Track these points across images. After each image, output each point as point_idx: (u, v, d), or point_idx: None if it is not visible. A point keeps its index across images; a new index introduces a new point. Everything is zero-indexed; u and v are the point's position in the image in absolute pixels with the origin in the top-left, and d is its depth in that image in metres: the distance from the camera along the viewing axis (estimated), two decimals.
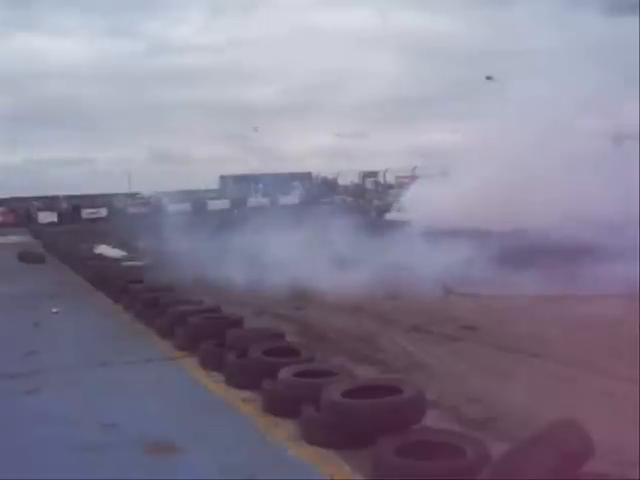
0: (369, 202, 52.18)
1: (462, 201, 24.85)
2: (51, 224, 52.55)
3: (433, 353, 8.54)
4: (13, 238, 37.52)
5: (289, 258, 14.76)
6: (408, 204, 31.69)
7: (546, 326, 9.23)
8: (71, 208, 62.75)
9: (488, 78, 45.45)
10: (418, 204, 28.44)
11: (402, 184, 57.57)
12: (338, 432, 5.52)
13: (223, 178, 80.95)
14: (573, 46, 25.09)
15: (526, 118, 26.13)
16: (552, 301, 11.02)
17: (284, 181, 74.76)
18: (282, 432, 6.09)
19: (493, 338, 9.03)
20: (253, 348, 7.56)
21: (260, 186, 73.69)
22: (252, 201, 66.09)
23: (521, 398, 6.45)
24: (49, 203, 66.00)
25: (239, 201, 65.10)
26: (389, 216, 35.70)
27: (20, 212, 61.09)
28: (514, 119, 26.99)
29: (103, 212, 60.36)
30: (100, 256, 21.96)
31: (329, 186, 73.90)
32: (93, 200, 66.62)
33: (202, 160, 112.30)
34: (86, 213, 59.99)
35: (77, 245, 26.10)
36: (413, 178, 51.85)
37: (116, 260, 20.97)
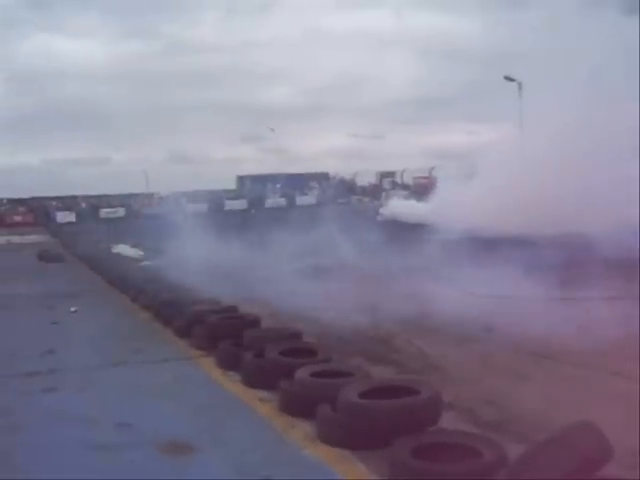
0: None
1: (500, 205, 23.28)
2: (69, 224, 52.82)
3: (449, 354, 8.51)
4: (32, 238, 37.75)
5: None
6: (436, 207, 29.36)
7: (563, 328, 9.18)
8: (89, 208, 63.10)
9: (507, 79, 45.15)
10: (449, 207, 26.21)
11: (419, 184, 57.61)
12: (355, 433, 5.52)
13: (240, 178, 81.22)
14: (593, 45, 24.43)
15: (553, 118, 25.20)
16: (570, 303, 10.95)
17: (301, 181, 74.93)
18: (299, 432, 6.09)
19: (510, 340, 8.98)
20: (270, 348, 7.57)
21: (277, 186, 73.83)
22: (269, 201, 66.20)
23: (537, 400, 6.42)
24: (67, 203, 66.42)
25: (257, 201, 65.21)
26: (380, 217, 35.44)
27: (39, 212, 61.45)
28: (542, 118, 26.07)
29: (121, 212, 60.61)
30: (118, 256, 22.08)
31: (346, 186, 73.94)
32: (111, 200, 66.99)
33: (219, 160, 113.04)
34: (104, 213, 60.25)
35: (95, 245, 26.24)
36: (431, 179, 51.74)
37: (134, 260, 21.07)
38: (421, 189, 50.65)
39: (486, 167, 27.92)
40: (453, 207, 25.60)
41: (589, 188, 21.01)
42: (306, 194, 69.73)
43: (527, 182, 23.58)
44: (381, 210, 37.70)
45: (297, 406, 6.46)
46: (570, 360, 7.81)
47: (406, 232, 23.51)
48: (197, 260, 18.08)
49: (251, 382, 7.54)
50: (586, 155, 22.46)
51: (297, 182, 74.23)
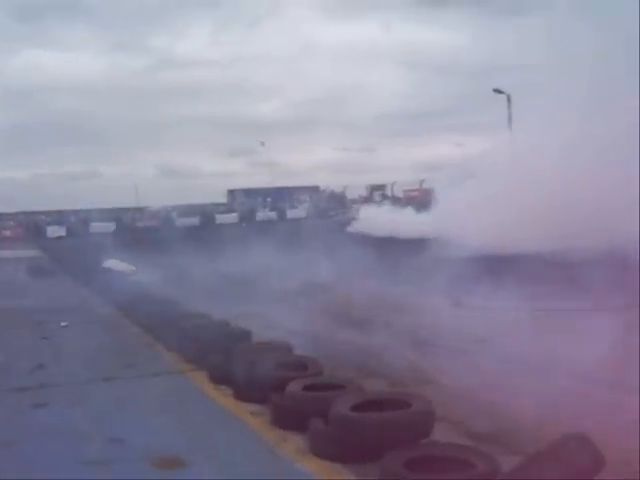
0: None
1: (519, 218, 21.05)
2: (60, 238, 52.76)
3: (441, 367, 8.50)
4: (22, 252, 37.60)
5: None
6: (443, 218, 25.92)
7: (555, 339, 9.17)
8: (79, 222, 63.04)
9: (496, 91, 45.38)
10: (458, 220, 23.25)
11: (410, 197, 57.73)
12: (347, 446, 5.50)
13: (231, 192, 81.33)
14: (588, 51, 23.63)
15: (555, 125, 24.00)
16: (562, 314, 10.95)
17: (292, 195, 75.16)
18: (291, 446, 6.07)
19: (502, 351, 8.98)
20: (261, 362, 7.55)
21: (268, 200, 74.00)
22: (260, 215, 66.36)
23: (531, 412, 6.41)
24: (57, 217, 66.29)
25: (247, 215, 65.36)
26: (351, 229, 34.90)
27: (29, 226, 61.33)
28: (543, 126, 24.93)
29: (111, 226, 60.55)
30: (109, 270, 21.99)
31: (337, 199, 74.14)
32: (101, 214, 66.91)
33: (210, 174, 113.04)
34: (94, 227, 60.18)
35: (85, 259, 26.15)
36: (423, 191, 51.77)
37: (125, 274, 20.99)
38: (412, 201, 50.74)
39: (497, 177, 25.35)
40: (463, 220, 22.99)
41: (602, 198, 19.66)
42: (296, 207, 69.92)
43: (545, 192, 21.82)
44: (354, 223, 36.61)
45: (289, 420, 6.44)
46: (564, 371, 7.79)
47: (404, 247, 22.69)
48: (189, 274, 18.12)
49: (243, 396, 7.52)
50: (595, 162, 21.14)
51: (287, 195, 74.46)
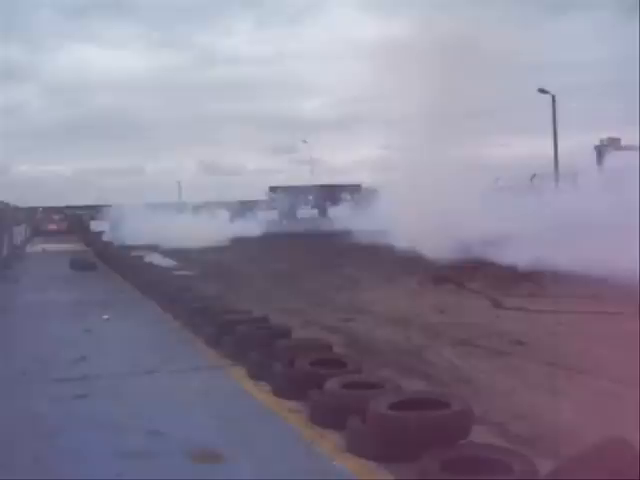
0: None
1: None
2: (103, 232, 53.26)
3: (480, 367, 8.45)
4: (66, 246, 38.12)
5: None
6: None
7: (595, 342, 9.09)
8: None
9: (541, 91, 44.84)
10: None
11: None
12: (384, 445, 5.49)
13: (273, 189, 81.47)
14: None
15: None
16: (601, 317, 10.85)
17: (333, 193, 75.01)
18: (328, 443, 6.06)
19: (542, 353, 8.92)
20: (300, 359, 7.57)
21: (310, 197, 73.95)
22: (301, 212, 66.29)
23: (569, 415, 6.35)
24: (101, 211, 66.93)
25: (288, 212, 65.34)
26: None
27: (73, 220, 62.02)
28: None
29: None
30: (150, 265, 22.20)
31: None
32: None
33: (251, 171, 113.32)
34: None
35: (128, 253, 26.42)
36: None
37: (166, 269, 21.17)
38: None
39: None
40: None
41: None
42: (338, 205, 69.81)
43: None
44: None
45: (327, 417, 6.44)
46: (604, 374, 7.72)
47: None
48: (229, 270, 18.24)
49: (281, 392, 7.53)
50: None
51: (329, 193, 74.32)
